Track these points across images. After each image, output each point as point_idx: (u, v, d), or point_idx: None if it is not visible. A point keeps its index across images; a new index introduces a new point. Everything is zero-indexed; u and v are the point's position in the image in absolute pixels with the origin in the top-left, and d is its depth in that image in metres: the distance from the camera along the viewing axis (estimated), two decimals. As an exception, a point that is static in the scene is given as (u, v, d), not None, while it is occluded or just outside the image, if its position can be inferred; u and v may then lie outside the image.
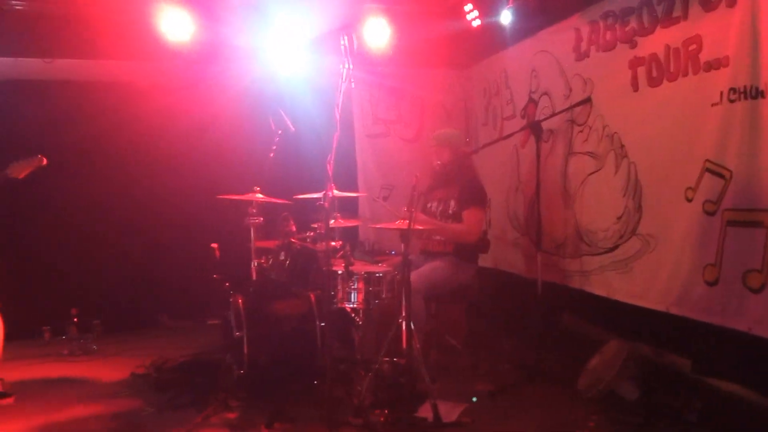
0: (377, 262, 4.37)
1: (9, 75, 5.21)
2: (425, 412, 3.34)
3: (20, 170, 3.68)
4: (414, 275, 3.79)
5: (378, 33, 4.89)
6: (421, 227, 3.77)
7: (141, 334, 5.47)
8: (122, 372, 4.31)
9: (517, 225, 5.24)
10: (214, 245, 4.09)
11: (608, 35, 4.04)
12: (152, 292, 5.70)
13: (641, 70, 3.76)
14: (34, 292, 5.17)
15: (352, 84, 3.63)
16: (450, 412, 3.41)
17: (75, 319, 5.11)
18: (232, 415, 3.47)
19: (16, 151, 3.88)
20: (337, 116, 3.47)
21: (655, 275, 3.66)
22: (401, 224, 3.57)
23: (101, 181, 5.36)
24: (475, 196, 4.26)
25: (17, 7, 4.48)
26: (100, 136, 5.39)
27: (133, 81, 5.47)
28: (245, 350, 3.72)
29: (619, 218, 3.96)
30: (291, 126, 4.54)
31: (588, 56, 4.26)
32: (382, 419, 3.29)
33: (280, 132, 4.52)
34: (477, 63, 5.98)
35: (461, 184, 4.30)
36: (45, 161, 3.76)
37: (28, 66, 5.16)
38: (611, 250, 4.04)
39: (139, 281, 5.67)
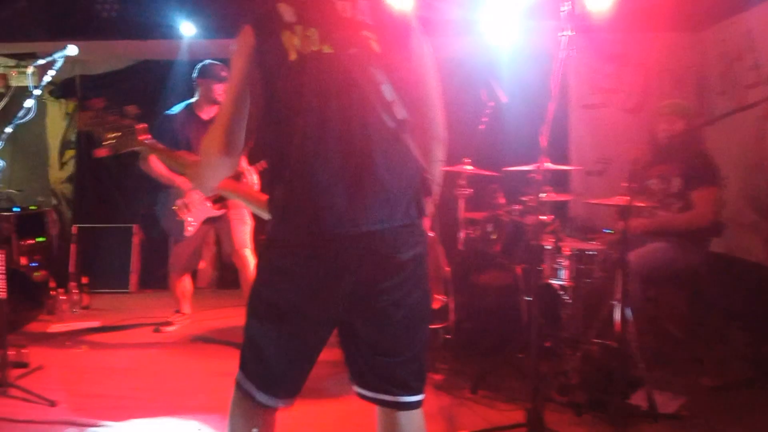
0: (589, 240, 4.18)
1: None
2: (638, 400, 3.15)
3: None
4: (632, 255, 3.55)
5: (602, -4, 4.57)
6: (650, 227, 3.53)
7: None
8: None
9: (758, 207, 4.64)
10: (425, 214, 4.22)
11: None
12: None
13: None
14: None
15: (573, 52, 3.47)
16: (667, 403, 3.18)
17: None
18: (438, 377, 3.59)
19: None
20: (554, 86, 3.35)
21: None
22: (619, 200, 3.36)
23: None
24: (707, 173, 3.85)
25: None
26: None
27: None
28: (451, 316, 3.81)
29: None
30: (503, 97, 4.49)
31: None
32: (589, 400, 3.18)
33: (491, 104, 4.49)
34: (713, 25, 5.34)
35: (687, 160, 3.91)
36: None
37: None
38: None
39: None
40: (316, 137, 1.61)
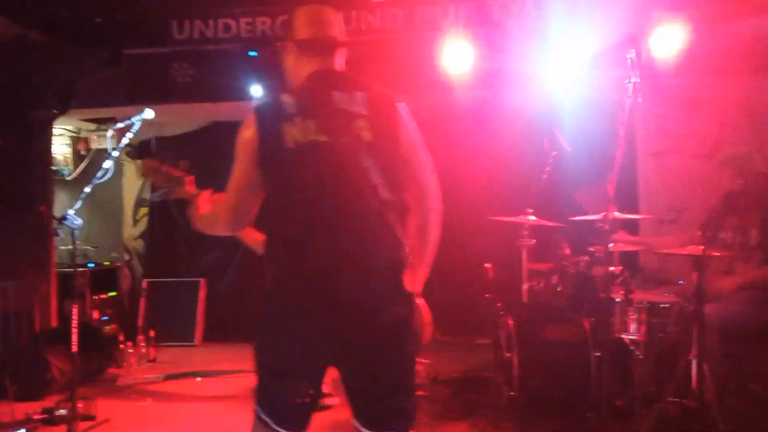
0: (661, 292, 3.97)
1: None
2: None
3: None
4: (709, 308, 3.33)
5: (668, 42, 4.45)
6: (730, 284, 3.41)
7: (416, 348, 5.75)
8: (399, 381, 4.57)
9: None
10: (488, 265, 4.13)
11: None
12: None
13: None
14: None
15: (639, 98, 3.39)
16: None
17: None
18: (501, 437, 3.45)
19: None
20: (621, 133, 3.27)
21: None
22: (694, 250, 3.18)
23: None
24: None
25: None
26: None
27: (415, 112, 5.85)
28: (515, 372, 3.66)
29: None
30: (566, 146, 4.42)
31: None
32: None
33: (554, 153, 4.42)
34: (793, 65, 5.10)
35: (765, 210, 3.67)
36: None
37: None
38: None
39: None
40: (307, 219, 1.78)
